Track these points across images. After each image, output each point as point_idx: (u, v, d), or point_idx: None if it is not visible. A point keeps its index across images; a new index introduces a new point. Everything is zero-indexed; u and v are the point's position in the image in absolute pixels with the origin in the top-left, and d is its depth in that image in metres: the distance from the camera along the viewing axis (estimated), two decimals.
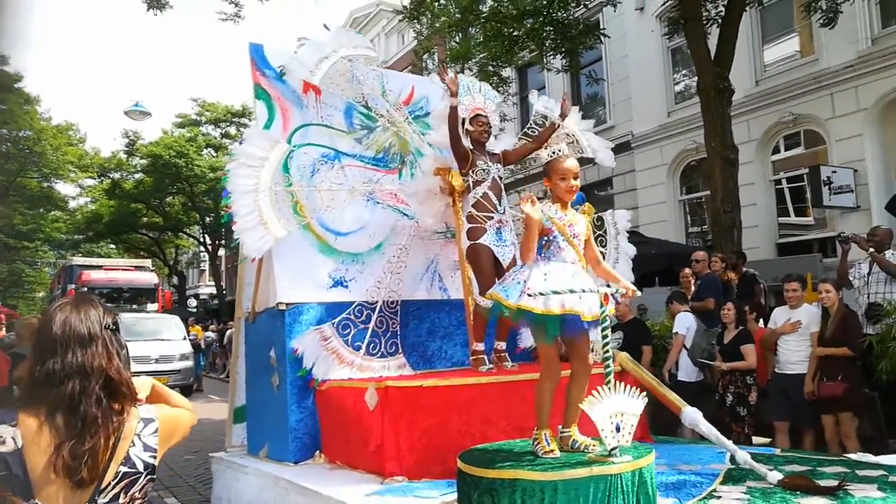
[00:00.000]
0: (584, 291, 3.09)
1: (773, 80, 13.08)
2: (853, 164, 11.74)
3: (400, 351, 5.19)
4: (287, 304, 4.99)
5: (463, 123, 4.94)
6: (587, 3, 12.55)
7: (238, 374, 6.14)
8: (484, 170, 4.88)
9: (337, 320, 4.99)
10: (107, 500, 1.76)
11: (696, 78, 10.25)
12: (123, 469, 1.77)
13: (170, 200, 34.40)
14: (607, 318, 3.14)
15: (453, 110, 4.79)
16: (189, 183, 31.65)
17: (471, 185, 4.89)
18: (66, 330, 1.80)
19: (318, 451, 4.88)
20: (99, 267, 23.52)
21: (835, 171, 11.67)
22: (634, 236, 7.14)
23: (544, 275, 3.18)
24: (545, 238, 3.26)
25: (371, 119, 5.75)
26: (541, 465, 3.01)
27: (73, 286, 21.17)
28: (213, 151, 33.40)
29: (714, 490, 3.54)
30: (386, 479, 4.00)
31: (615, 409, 2.95)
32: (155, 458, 1.84)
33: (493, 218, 4.82)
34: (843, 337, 5.77)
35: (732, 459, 4.02)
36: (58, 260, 34.98)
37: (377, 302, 5.15)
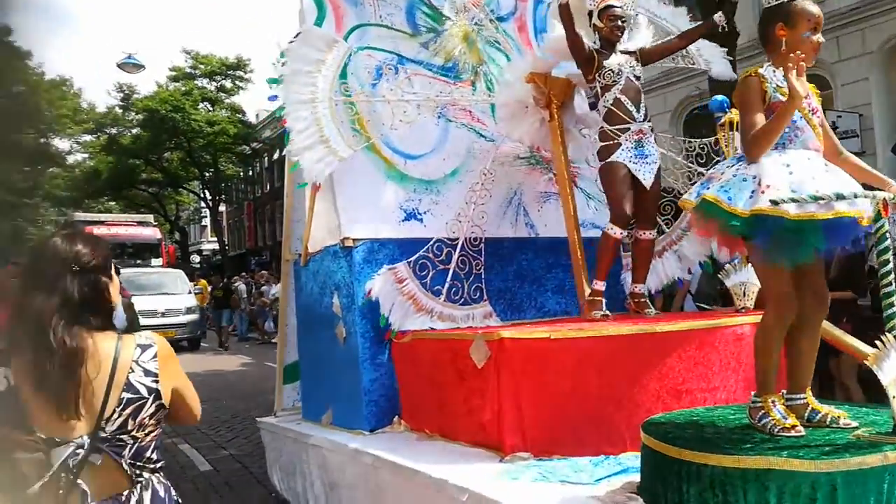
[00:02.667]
0: (854, 196, 2.05)
1: None
2: (858, 109, 11.21)
3: (485, 297, 4.16)
4: (355, 240, 3.93)
5: (590, 17, 3.84)
6: None
7: (287, 327, 5.09)
8: (614, 70, 3.78)
9: (413, 259, 3.94)
10: (114, 427, 1.73)
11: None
12: (126, 395, 1.74)
13: (168, 156, 33.00)
14: (887, 234, 2.10)
15: (563, 7, 3.68)
16: (187, 137, 30.23)
17: (598, 91, 3.81)
18: (31, 268, 1.79)
19: (396, 417, 3.89)
20: (101, 223, 22.59)
21: (840, 116, 11.14)
22: None
23: (786, 166, 2.14)
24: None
25: (437, 20, 4.62)
26: (796, 448, 2.02)
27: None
28: (209, 105, 31.81)
29: None
30: (506, 455, 3.02)
31: None
32: (157, 382, 1.80)
33: (629, 129, 3.76)
34: (846, 279, 5.17)
35: None
36: (59, 217, 33.60)
37: (458, 239, 4.09)
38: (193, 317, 17.20)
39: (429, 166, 4.29)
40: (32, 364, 1.66)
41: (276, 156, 37.63)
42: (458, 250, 4.07)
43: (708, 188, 2.26)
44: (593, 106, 3.94)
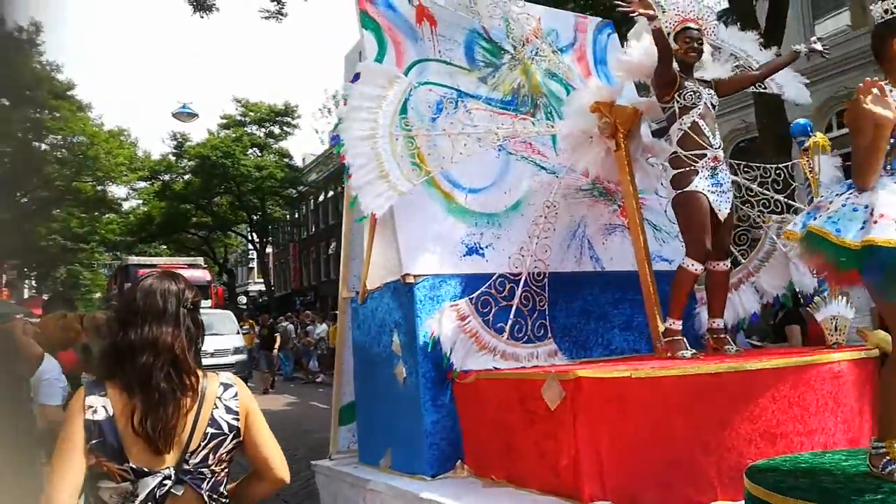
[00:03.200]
0: None
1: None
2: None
3: (549, 334, 3.95)
4: (416, 276, 3.79)
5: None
6: None
7: (344, 367, 4.94)
8: (694, 92, 3.62)
9: (475, 295, 3.77)
10: (197, 460, 1.77)
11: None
12: (210, 430, 1.79)
13: (217, 200, 33.69)
14: None
15: (658, 32, 3.52)
16: (236, 182, 30.90)
17: (676, 112, 3.64)
18: (146, 303, 1.80)
19: (459, 462, 3.68)
20: (154, 266, 22.91)
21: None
22: None
23: None
24: (892, 140, 2.02)
25: (496, 55, 4.54)
26: None
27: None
28: (258, 151, 32.56)
29: None
30: None
31: None
32: (238, 420, 1.84)
33: (706, 155, 3.57)
34: None
35: None
36: (113, 261, 34.48)
37: (521, 274, 3.92)
38: (241, 357, 17.20)
39: (490, 200, 4.16)
40: (140, 398, 1.70)
41: (321, 198, 38.22)
42: (521, 286, 3.89)
43: (815, 218, 2.06)
44: (663, 133, 3.77)
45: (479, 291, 3.79)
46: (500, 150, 4.25)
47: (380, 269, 4.16)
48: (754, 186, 4.33)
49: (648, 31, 3.65)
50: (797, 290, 4.22)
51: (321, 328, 19.70)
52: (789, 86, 4.47)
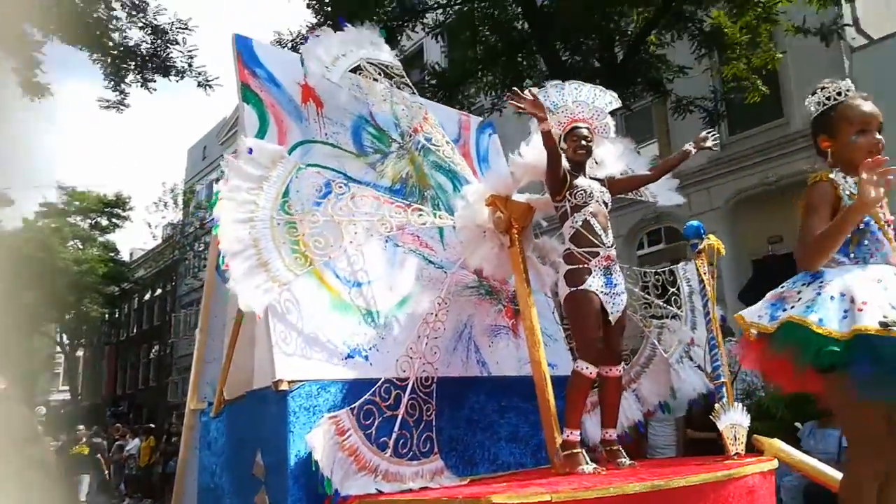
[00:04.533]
0: None
1: None
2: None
3: (436, 449, 3.48)
4: (291, 383, 3.21)
5: (558, 141, 3.59)
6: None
7: (185, 495, 4.07)
8: (585, 191, 3.48)
9: (357, 405, 3.25)
10: None
11: None
12: None
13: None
14: None
15: (546, 134, 3.40)
16: (50, 278, 27.68)
17: (567, 211, 3.47)
18: None
19: None
20: None
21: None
22: None
23: (878, 281, 1.79)
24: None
25: (383, 142, 4.26)
26: None
27: None
28: (79, 243, 29.67)
29: None
30: None
31: None
32: None
33: (598, 254, 3.39)
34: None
35: None
36: None
37: (408, 379, 3.47)
38: None
39: (375, 295, 3.72)
40: None
41: (147, 296, 35.23)
42: (407, 392, 3.42)
43: (783, 309, 1.87)
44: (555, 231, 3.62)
45: (361, 400, 3.27)
46: (387, 241, 3.87)
47: (244, 374, 3.52)
48: (636, 290, 4.28)
49: (538, 131, 3.55)
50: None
51: (132, 444, 17.41)
52: (661, 192, 4.56)
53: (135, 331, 35.71)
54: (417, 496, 2.87)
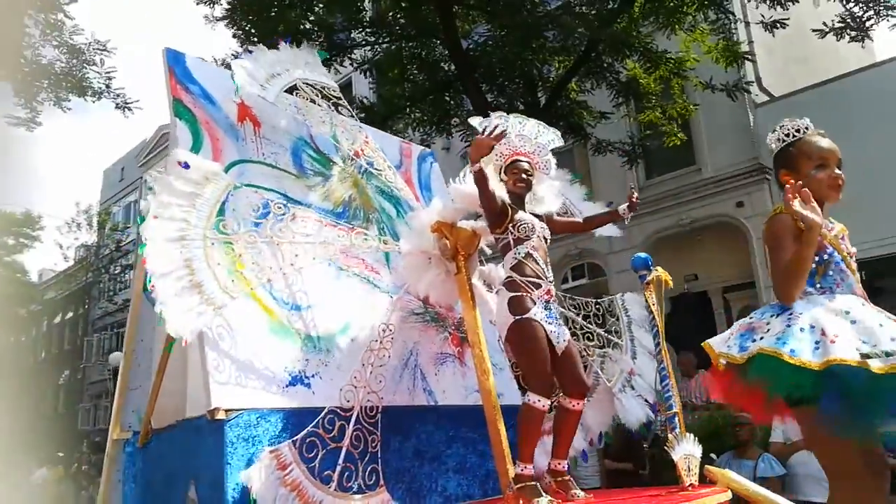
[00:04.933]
0: None
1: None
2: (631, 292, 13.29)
3: (381, 482, 3.32)
4: (228, 412, 2.99)
5: (499, 172, 3.53)
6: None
7: None
8: (527, 225, 3.42)
9: (300, 436, 3.06)
10: None
11: None
12: None
13: None
14: None
15: (479, 172, 3.33)
16: None
17: (510, 242, 3.39)
18: None
19: None
20: None
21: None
22: None
23: (846, 313, 1.79)
24: (817, 258, 1.91)
25: (325, 164, 4.11)
26: None
27: None
28: None
29: None
30: None
31: None
32: None
33: (540, 286, 3.32)
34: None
35: None
36: None
37: (353, 408, 3.30)
38: None
39: (317, 319, 3.55)
40: None
41: (57, 320, 33.33)
42: (352, 423, 3.26)
43: (753, 340, 1.84)
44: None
45: (304, 432, 3.08)
46: (329, 264, 3.72)
47: (174, 402, 3.27)
48: (579, 319, 4.26)
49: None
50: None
51: (39, 473, 16.24)
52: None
53: (44, 355, 33.60)
54: None
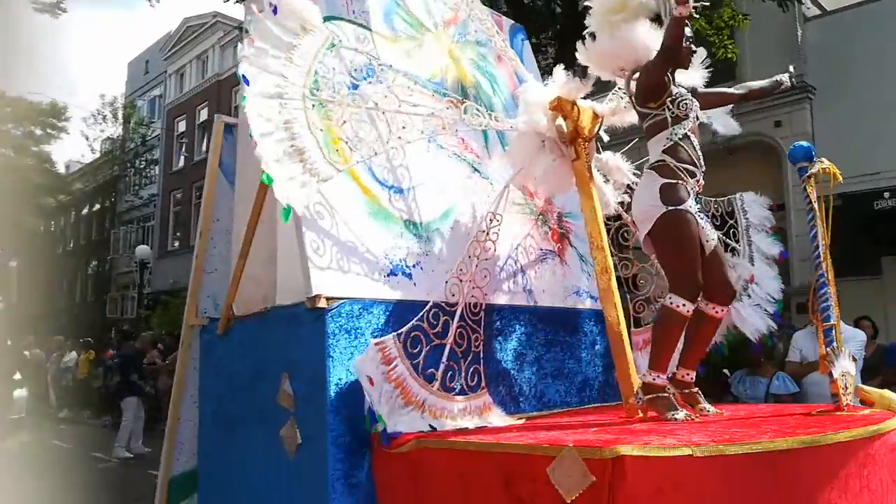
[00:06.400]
0: None
1: None
2: None
3: (483, 383, 2.95)
4: (330, 300, 2.58)
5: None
6: None
7: (181, 421, 3.42)
8: (688, 102, 2.86)
9: (404, 330, 2.66)
10: None
11: None
12: None
13: None
14: None
15: (678, 21, 2.67)
16: None
17: (668, 120, 2.83)
18: None
19: None
20: None
21: None
22: None
23: None
24: None
25: (417, 28, 3.54)
26: None
27: None
28: (12, 152, 27.30)
29: None
30: None
31: None
32: None
33: (695, 176, 2.81)
34: None
35: None
36: None
37: (457, 304, 2.89)
38: None
39: (418, 203, 3.09)
40: None
41: (85, 211, 33.28)
42: (456, 320, 2.85)
43: None
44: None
45: (409, 325, 2.68)
46: (429, 141, 3.21)
47: (262, 288, 2.87)
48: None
49: (643, 14, 2.90)
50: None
51: (70, 356, 16.40)
52: (719, 118, 3.99)
53: (72, 245, 33.76)
54: (495, 439, 2.33)
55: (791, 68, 3.22)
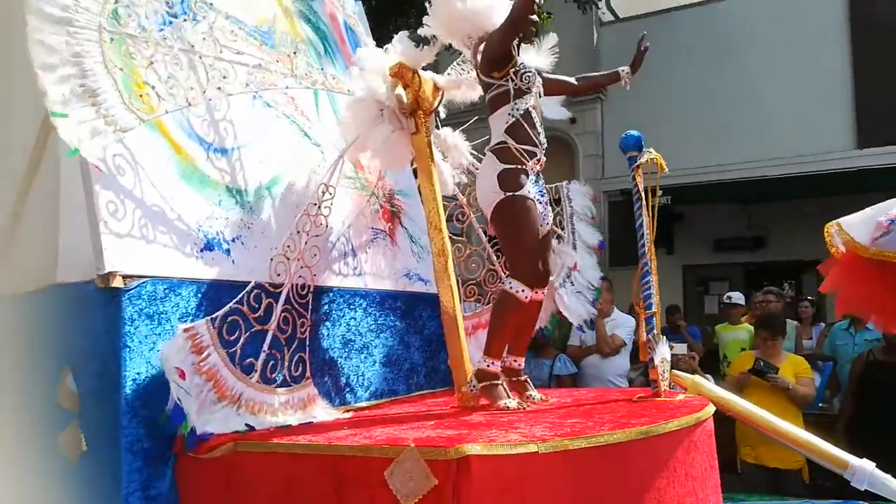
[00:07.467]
0: None
1: None
2: None
3: (308, 373, 2.68)
4: (127, 278, 2.15)
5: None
6: None
7: None
8: (531, 74, 2.76)
9: (220, 315, 2.31)
10: None
11: None
12: None
13: None
14: None
15: None
16: None
17: (510, 92, 2.72)
18: None
19: None
20: None
21: None
22: None
23: None
24: None
25: None
26: None
27: None
28: None
29: None
30: None
31: None
32: None
33: (535, 155, 2.73)
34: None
35: None
36: None
37: (282, 285, 2.58)
38: None
39: (243, 166, 2.70)
40: None
41: None
42: (280, 303, 2.55)
43: None
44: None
45: (226, 308, 2.33)
46: (255, 96, 2.83)
47: (41, 260, 2.33)
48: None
49: None
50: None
51: None
52: (549, 105, 4.00)
53: None
54: (325, 441, 2.07)
55: (626, 69, 3.24)
